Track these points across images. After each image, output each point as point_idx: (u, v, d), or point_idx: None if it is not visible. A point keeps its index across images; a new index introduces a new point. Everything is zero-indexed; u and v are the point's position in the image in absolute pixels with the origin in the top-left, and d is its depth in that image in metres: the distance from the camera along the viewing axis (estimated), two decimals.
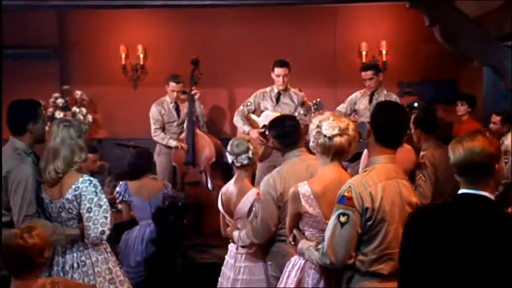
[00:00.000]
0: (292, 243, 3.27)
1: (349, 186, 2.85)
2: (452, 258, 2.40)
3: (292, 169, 3.69)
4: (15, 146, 3.72)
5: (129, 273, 4.84)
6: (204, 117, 7.19)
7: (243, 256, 3.99)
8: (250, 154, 3.94)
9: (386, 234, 2.85)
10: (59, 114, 7.70)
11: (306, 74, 7.59)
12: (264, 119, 6.33)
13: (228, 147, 4.02)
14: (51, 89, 8.06)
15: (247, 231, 3.81)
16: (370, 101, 6.54)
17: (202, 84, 7.09)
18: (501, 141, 5.46)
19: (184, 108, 6.96)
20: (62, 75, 8.33)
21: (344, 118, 3.23)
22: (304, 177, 3.54)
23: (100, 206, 3.59)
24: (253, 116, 6.53)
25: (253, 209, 3.79)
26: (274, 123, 3.96)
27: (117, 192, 5.39)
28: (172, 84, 6.91)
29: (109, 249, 3.84)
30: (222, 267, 4.16)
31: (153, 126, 6.98)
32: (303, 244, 3.14)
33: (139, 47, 8.19)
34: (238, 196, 3.96)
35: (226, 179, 4.40)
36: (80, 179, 3.60)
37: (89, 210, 3.57)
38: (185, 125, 6.93)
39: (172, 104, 7.03)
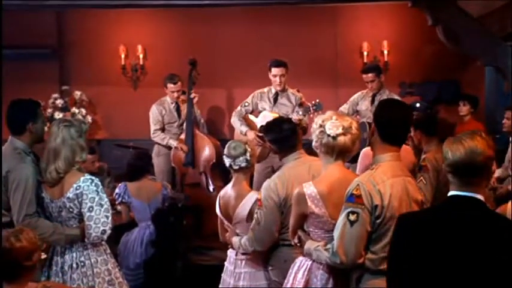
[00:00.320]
0: (298, 244, 3.22)
1: (358, 184, 2.84)
2: (448, 265, 2.33)
3: (294, 172, 3.64)
4: (14, 145, 3.72)
5: (128, 275, 4.86)
6: (201, 120, 7.15)
7: (243, 262, 3.92)
8: (248, 156, 3.87)
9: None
10: (58, 115, 7.67)
11: (306, 75, 7.58)
12: (261, 120, 6.29)
13: (225, 150, 3.94)
14: (50, 90, 8.03)
15: (249, 238, 3.73)
16: (372, 102, 6.49)
17: (202, 84, 7.06)
18: None
19: (184, 109, 6.92)
20: (61, 75, 8.31)
21: (347, 117, 3.21)
22: (307, 179, 3.50)
23: (101, 205, 3.58)
24: (251, 117, 6.48)
25: (255, 215, 3.71)
26: (271, 128, 3.89)
27: (117, 194, 5.36)
28: (170, 86, 6.86)
29: (108, 251, 3.81)
30: (222, 274, 4.09)
31: (152, 127, 6.92)
32: (310, 245, 3.10)
33: (139, 47, 8.16)
34: (237, 200, 3.89)
35: (227, 180, 4.36)
36: (82, 178, 3.59)
37: (90, 209, 3.56)
38: (184, 126, 6.87)
39: (173, 105, 6.98)
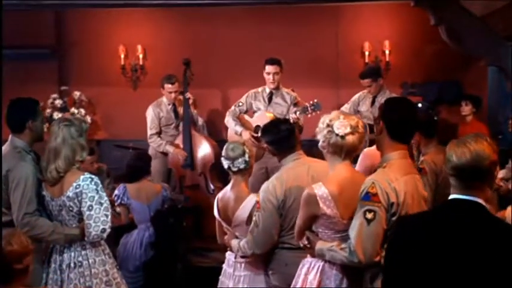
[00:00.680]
0: (308, 246, 3.18)
1: (373, 182, 2.85)
2: (445, 268, 2.29)
3: (292, 174, 3.60)
4: (15, 144, 3.75)
5: (127, 277, 4.81)
6: (200, 121, 7.10)
7: (243, 265, 3.88)
8: (246, 158, 3.83)
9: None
10: (57, 116, 7.62)
11: (307, 75, 7.57)
12: (256, 120, 6.26)
13: (223, 152, 3.89)
14: (49, 90, 8.00)
15: (248, 241, 3.69)
16: (373, 103, 6.49)
17: (202, 85, 7.02)
18: None
19: (181, 110, 6.84)
20: (60, 75, 8.29)
21: (353, 116, 3.22)
22: (306, 180, 3.52)
23: (101, 204, 3.60)
24: (246, 117, 6.43)
25: (253, 218, 3.67)
26: (268, 129, 3.84)
27: (116, 195, 5.33)
28: (167, 86, 6.77)
29: (107, 251, 3.82)
30: (220, 277, 4.05)
31: (149, 131, 6.83)
32: (321, 245, 3.08)
33: (139, 47, 8.13)
34: (236, 202, 3.84)
35: (226, 181, 4.31)
36: (81, 177, 3.61)
37: (90, 208, 3.57)
38: (180, 127, 6.80)
39: (170, 106, 6.90)
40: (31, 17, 7.74)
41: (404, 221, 2.59)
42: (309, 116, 5.93)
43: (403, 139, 3.02)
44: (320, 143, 3.15)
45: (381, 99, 6.33)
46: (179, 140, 6.74)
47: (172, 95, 6.79)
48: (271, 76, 6.23)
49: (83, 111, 7.99)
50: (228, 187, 3.95)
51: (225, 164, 3.86)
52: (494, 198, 4.91)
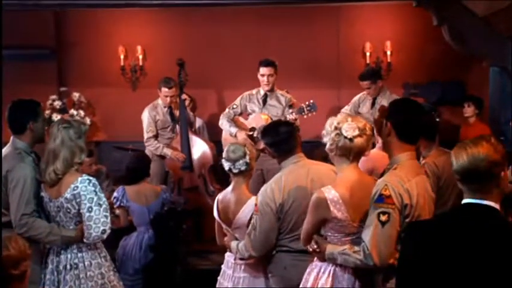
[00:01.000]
0: (317, 250, 3.13)
1: (386, 185, 2.85)
2: (457, 273, 2.28)
3: (292, 177, 3.58)
4: (16, 145, 3.79)
5: (127, 280, 4.85)
6: (198, 123, 7.02)
7: (242, 266, 3.87)
8: (247, 159, 3.80)
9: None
10: (56, 117, 7.59)
11: (308, 76, 7.55)
12: (252, 121, 6.23)
13: (224, 154, 3.87)
14: (49, 91, 8.00)
15: (245, 243, 3.68)
16: (373, 104, 6.48)
17: (203, 86, 6.98)
18: None
19: (178, 112, 6.75)
20: (59, 76, 8.27)
21: (360, 118, 3.21)
22: (305, 184, 3.53)
23: (100, 205, 3.64)
24: (241, 119, 6.38)
25: (252, 220, 3.66)
26: (268, 130, 3.83)
27: (115, 197, 5.29)
28: (164, 90, 6.67)
29: (103, 254, 3.85)
30: (219, 277, 4.04)
31: (145, 135, 6.75)
32: (332, 249, 3.05)
33: (139, 48, 8.13)
34: (237, 205, 3.82)
35: (224, 182, 4.31)
36: (79, 179, 3.64)
37: (90, 209, 3.61)
38: (177, 129, 6.72)
39: (166, 109, 6.81)
40: (30, 17, 7.72)
41: (415, 226, 2.58)
42: (305, 116, 5.89)
43: (411, 140, 3.02)
44: (327, 146, 3.13)
45: (381, 101, 6.35)
46: (176, 143, 6.67)
47: (168, 99, 6.70)
48: (265, 78, 6.17)
49: (82, 112, 7.98)
50: (229, 189, 3.93)
51: (226, 165, 3.84)
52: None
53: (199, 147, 6.61)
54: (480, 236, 2.29)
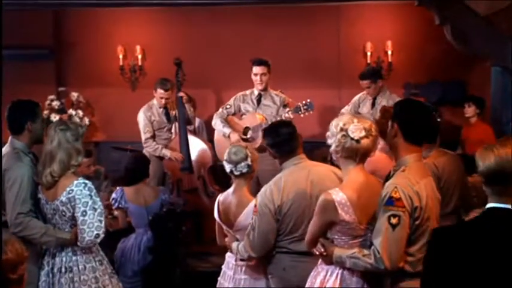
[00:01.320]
0: (324, 253, 3.10)
1: (395, 187, 2.83)
2: (485, 280, 2.26)
3: (291, 179, 3.57)
4: (14, 145, 3.81)
5: (125, 283, 4.81)
6: (194, 120, 6.98)
7: (243, 268, 3.86)
8: (249, 161, 3.80)
9: (430, 232, 2.84)
10: (55, 117, 7.57)
11: (309, 75, 7.55)
12: (246, 121, 6.20)
13: (225, 156, 3.85)
14: (47, 91, 7.98)
15: (244, 244, 3.68)
16: (373, 105, 6.47)
17: (202, 86, 6.95)
18: None
19: (174, 112, 6.69)
20: (58, 76, 8.27)
21: (365, 119, 3.17)
22: (304, 185, 3.52)
23: (95, 209, 3.62)
24: (235, 119, 6.34)
25: (251, 221, 3.65)
26: (269, 131, 3.81)
27: (113, 199, 5.26)
28: (160, 91, 6.57)
29: (98, 258, 3.83)
30: (219, 278, 4.04)
31: (143, 136, 6.66)
32: (340, 252, 3.02)
33: (138, 48, 8.11)
34: (238, 207, 3.81)
35: (225, 183, 4.29)
36: (75, 182, 3.64)
37: (84, 213, 3.60)
38: (174, 129, 6.67)
39: (162, 109, 6.72)
40: (29, 17, 7.69)
41: (442, 233, 2.55)
42: (302, 115, 5.85)
43: (418, 141, 3.00)
44: (333, 148, 3.09)
45: (381, 101, 6.37)
46: (175, 143, 6.62)
47: (163, 100, 6.60)
48: (258, 77, 6.13)
49: (80, 112, 7.97)
50: (230, 191, 3.92)
51: (228, 167, 3.84)
52: None
53: (197, 148, 6.57)
54: (504, 242, 2.27)
